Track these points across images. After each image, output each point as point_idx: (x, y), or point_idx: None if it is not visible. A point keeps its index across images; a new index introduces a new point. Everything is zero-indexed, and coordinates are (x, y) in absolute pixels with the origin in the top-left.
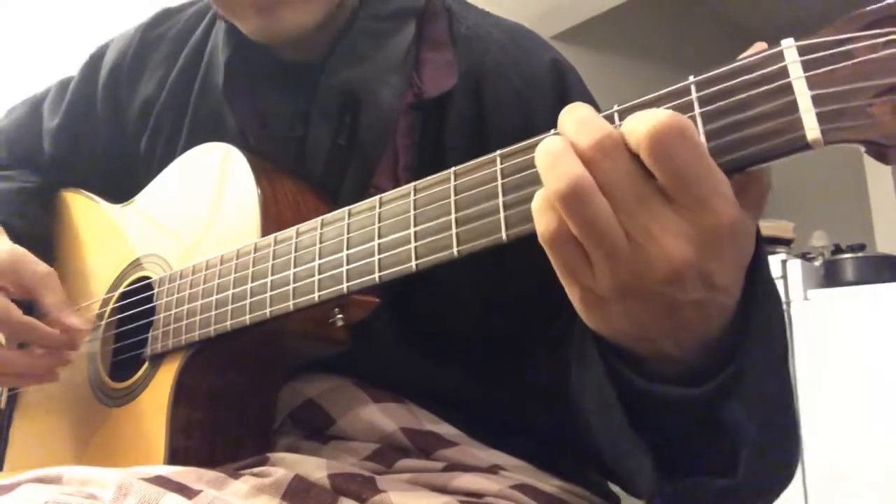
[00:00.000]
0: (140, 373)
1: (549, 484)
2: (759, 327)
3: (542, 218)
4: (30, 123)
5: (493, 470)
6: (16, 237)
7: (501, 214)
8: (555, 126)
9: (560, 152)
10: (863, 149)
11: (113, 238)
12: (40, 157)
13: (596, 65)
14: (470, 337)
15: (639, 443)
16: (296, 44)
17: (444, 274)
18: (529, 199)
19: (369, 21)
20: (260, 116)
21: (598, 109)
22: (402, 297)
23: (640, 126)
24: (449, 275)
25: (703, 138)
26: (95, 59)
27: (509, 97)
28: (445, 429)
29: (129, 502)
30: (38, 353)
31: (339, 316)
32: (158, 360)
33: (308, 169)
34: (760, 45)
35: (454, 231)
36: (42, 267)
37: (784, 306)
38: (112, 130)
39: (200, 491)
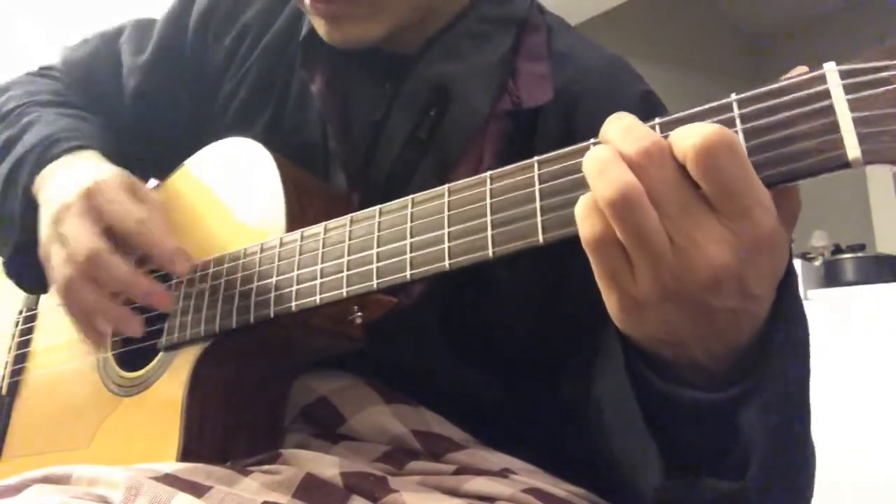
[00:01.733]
0: (153, 363)
1: (561, 488)
2: (784, 340)
3: (587, 222)
4: (105, 59)
5: (503, 473)
6: None
7: (538, 218)
8: None
9: (609, 160)
10: None
11: None
12: (115, 96)
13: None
14: (508, 344)
15: (649, 438)
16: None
17: (506, 281)
18: (567, 204)
19: (474, 22)
20: (342, 94)
21: None
22: (454, 295)
23: (690, 138)
24: (510, 282)
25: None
26: (186, 1)
27: (600, 123)
28: (455, 433)
29: (139, 503)
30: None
31: (359, 314)
32: (173, 350)
33: (378, 157)
34: (802, 69)
35: (490, 233)
36: (154, 194)
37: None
38: (196, 75)
39: (211, 487)
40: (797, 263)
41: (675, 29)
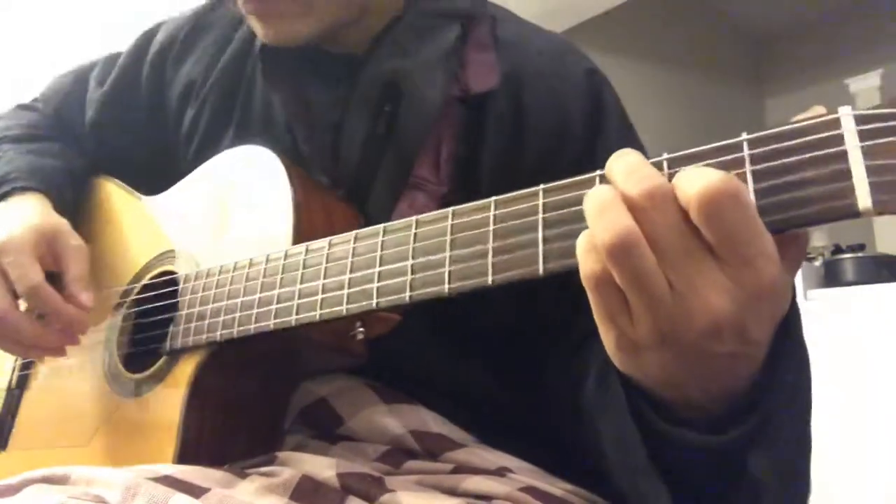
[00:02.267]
0: (157, 366)
1: (558, 487)
2: (784, 382)
3: (587, 259)
4: (76, 90)
5: (500, 472)
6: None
7: (540, 248)
8: (589, 132)
9: (609, 202)
10: None
11: (139, 229)
12: (81, 126)
13: (596, 65)
14: (492, 333)
15: (658, 484)
16: (339, 36)
17: None
18: (570, 235)
19: (418, 17)
20: (303, 102)
21: (628, 120)
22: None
23: (694, 185)
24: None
25: (752, 196)
26: (147, 37)
27: (547, 101)
28: (454, 431)
29: (137, 503)
30: (50, 327)
31: (361, 329)
32: (176, 355)
33: (343, 156)
34: (819, 110)
35: (490, 259)
36: (77, 240)
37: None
38: (153, 109)
39: (209, 489)
40: None
41: (676, 29)
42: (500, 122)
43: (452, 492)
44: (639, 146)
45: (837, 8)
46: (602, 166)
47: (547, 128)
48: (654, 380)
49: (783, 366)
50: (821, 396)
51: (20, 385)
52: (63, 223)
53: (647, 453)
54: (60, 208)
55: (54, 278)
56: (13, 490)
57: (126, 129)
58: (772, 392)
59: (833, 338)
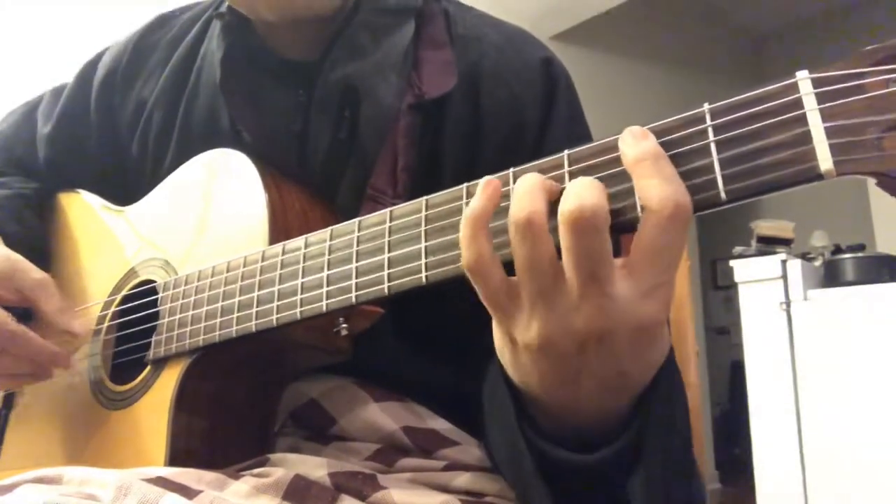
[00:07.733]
0: (141, 377)
1: None
2: (655, 415)
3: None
4: (24, 129)
5: (493, 469)
6: (11, 243)
7: None
8: (541, 122)
9: (532, 187)
10: (874, 181)
11: (114, 241)
12: (35, 163)
13: (596, 65)
14: (463, 331)
15: (543, 490)
16: (294, 40)
17: None
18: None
19: (371, 15)
20: (258, 111)
21: (579, 109)
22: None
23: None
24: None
25: (717, 166)
26: (90, 67)
27: (505, 101)
28: (446, 425)
29: (128, 502)
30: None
31: (344, 325)
32: (160, 364)
33: (307, 165)
34: None
35: None
36: (38, 273)
37: (784, 307)
38: (105, 136)
39: (201, 491)
40: (797, 263)
41: (676, 29)
42: (458, 126)
43: (444, 489)
44: (585, 135)
45: (837, 7)
46: (551, 152)
47: (505, 130)
48: (532, 387)
49: (653, 399)
50: (821, 396)
51: (6, 404)
52: (17, 260)
53: (535, 464)
54: (15, 238)
55: (28, 314)
56: (6, 489)
57: (81, 160)
58: (642, 422)
59: (833, 338)
